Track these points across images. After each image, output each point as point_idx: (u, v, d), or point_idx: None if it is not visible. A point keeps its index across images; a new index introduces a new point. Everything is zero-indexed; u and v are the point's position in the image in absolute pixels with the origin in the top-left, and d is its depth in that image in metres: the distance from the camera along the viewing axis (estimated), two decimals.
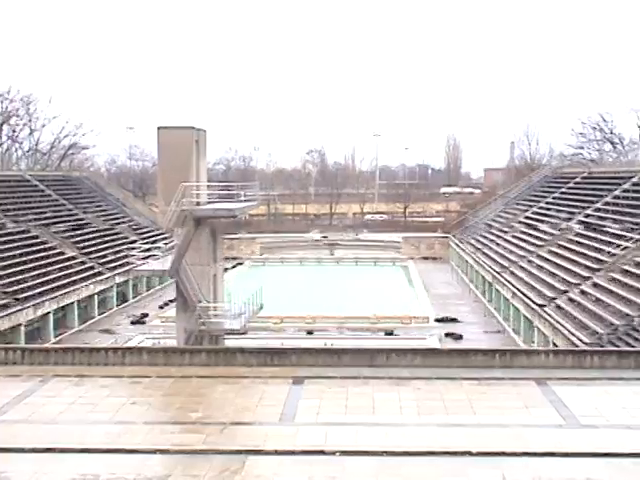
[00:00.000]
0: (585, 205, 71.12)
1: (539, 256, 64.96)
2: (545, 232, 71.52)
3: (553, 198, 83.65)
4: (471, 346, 41.01)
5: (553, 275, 56.65)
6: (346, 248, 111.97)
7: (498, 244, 79.12)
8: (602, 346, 37.15)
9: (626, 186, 69.59)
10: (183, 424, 23.13)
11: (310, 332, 57.86)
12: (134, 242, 67.86)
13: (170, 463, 20.11)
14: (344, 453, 20.67)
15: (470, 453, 20.97)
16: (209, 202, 37.32)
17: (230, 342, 40.28)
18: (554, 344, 42.55)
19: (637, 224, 56.18)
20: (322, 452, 20.70)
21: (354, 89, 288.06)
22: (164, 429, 22.60)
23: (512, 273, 64.21)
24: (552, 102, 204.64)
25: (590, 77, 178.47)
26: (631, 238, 54.39)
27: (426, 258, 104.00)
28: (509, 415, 24.45)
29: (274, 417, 23.85)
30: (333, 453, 20.64)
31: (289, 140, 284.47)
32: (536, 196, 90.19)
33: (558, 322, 44.78)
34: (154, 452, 20.66)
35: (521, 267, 64.72)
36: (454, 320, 60.42)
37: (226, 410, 24.50)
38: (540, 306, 49.89)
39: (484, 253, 79.10)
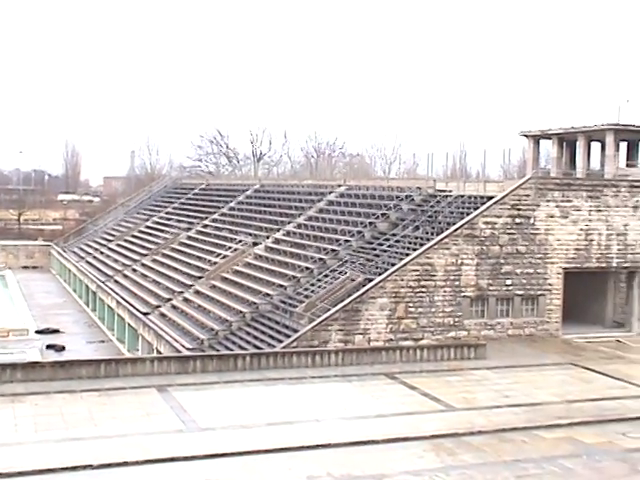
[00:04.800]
0: (204, 215, 74.16)
1: (144, 265, 66.08)
2: (152, 242, 73.04)
3: (174, 208, 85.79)
4: (74, 357, 40.18)
5: (158, 283, 58.12)
6: None
7: (103, 253, 78.72)
8: (204, 351, 39.06)
9: (241, 198, 74.13)
10: None
11: None
12: None
13: None
14: None
15: (91, 466, 20.66)
16: None
17: None
18: (158, 351, 43.64)
19: (249, 234, 60.04)
20: None
21: None
22: None
23: (117, 282, 64.39)
24: (173, 115, 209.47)
25: (209, 95, 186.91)
26: (230, 247, 58.02)
27: (26, 267, 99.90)
28: (130, 424, 24.56)
29: None
30: None
31: None
32: (157, 206, 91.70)
33: (162, 329, 46.05)
34: None
35: (125, 276, 65.19)
36: (56, 331, 58.64)
37: None
38: (144, 314, 50.88)
39: (89, 262, 78.27)
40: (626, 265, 44.27)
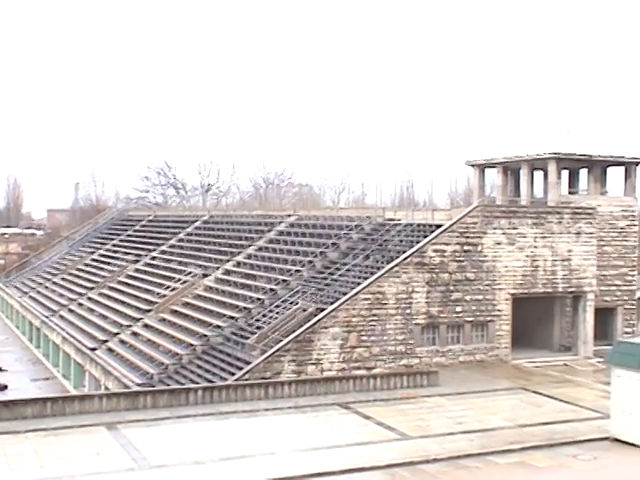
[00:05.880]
0: (152, 247, 73.42)
1: (90, 299, 64.97)
2: (98, 275, 72.02)
3: (121, 240, 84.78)
4: (17, 396, 39.02)
5: (105, 318, 57.16)
6: None
7: (47, 287, 77.19)
8: (154, 386, 38.44)
9: (189, 229, 73.64)
10: None
11: None
12: None
13: None
14: None
15: None
16: None
17: None
18: (106, 387, 42.86)
19: (198, 265, 59.60)
20: None
21: None
22: None
23: (62, 317, 63.21)
24: (119, 146, 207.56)
25: (156, 126, 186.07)
26: (179, 279, 57.53)
27: None
28: (79, 464, 24.01)
29: None
30: None
31: None
32: (104, 238, 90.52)
33: (110, 365, 45.27)
34: None
35: (71, 310, 64.04)
36: None
37: None
38: (91, 349, 50.00)
39: (32, 297, 76.77)
40: (571, 290, 45.15)
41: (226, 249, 59.63)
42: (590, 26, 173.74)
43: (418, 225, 44.32)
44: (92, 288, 68.30)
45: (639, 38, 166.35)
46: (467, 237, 42.01)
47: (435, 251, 41.23)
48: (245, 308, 45.22)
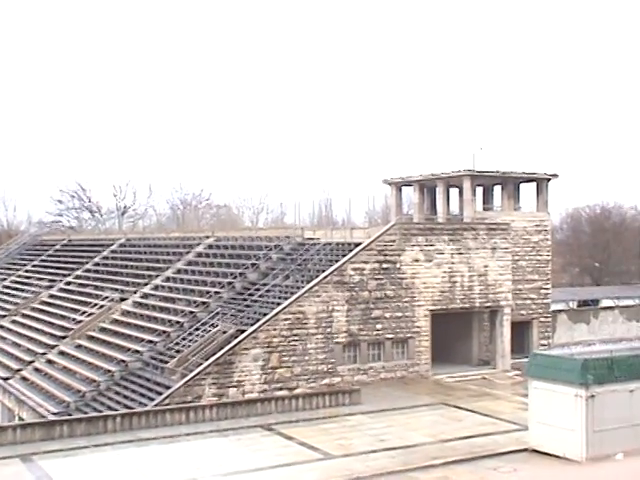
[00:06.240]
0: (67, 272, 71.68)
1: (2, 327, 62.25)
2: (10, 302, 69.80)
3: (34, 266, 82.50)
4: None
5: (18, 346, 55.36)
6: None
7: None
8: (70, 414, 37.45)
9: (106, 253, 72.24)
10: None
11: None
12: None
13: None
14: None
15: None
16: None
17: None
18: (20, 418, 41.58)
19: (115, 289, 58.55)
20: None
21: None
22: None
23: None
24: (30, 169, 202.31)
25: (69, 148, 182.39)
26: (95, 304, 56.31)
27: None
28: None
29: None
30: None
31: None
32: (15, 264, 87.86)
33: (24, 394, 43.93)
34: None
35: None
36: None
37: None
38: (4, 379, 48.44)
39: None
40: (488, 305, 46.16)
41: (144, 272, 58.73)
42: (502, 44, 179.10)
43: (337, 244, 44.65)
44: (4, 316, 66.09)
45: (549, 57, 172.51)
46: (385, 255, 42.52)
47: (354, 269, 41.56)
48: (164, 332, 44.55)
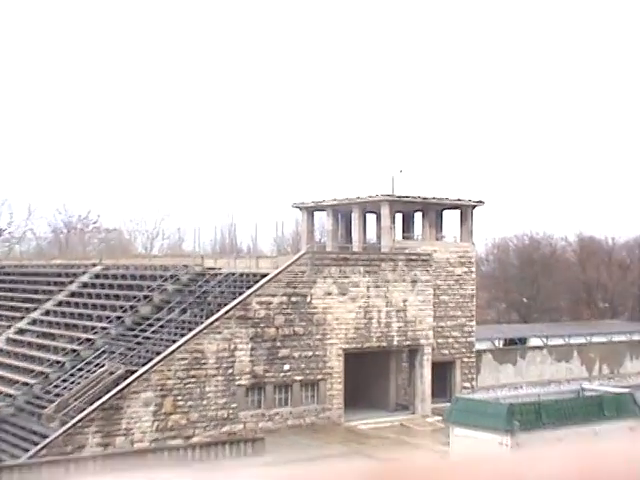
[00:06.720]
0: None
1: None
2: None
3: None
4: None
5: None
6: None
7: None
8: None
9: None
10: None
11: None
12: None
13: None
14: None
15: None
16: None
17: None
18: None
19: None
20: None
21: None
22: None
23: None
24: None
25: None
26: None
27: None
28: None
29: None
30: None
31: None
32: None
33: None
34: None
35: None
36: None
37: None
38: None
39: None
40: (407, 343, 46.82)
41: (20, 304, 57.53)
42: (426, 62, 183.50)
43: (241, 274, 44.69)
44: None
45: (476, 79, 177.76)
46: (295, 287, 42.75)
47: (260, 303, 41.63)
48: (42, 373, 43.65)
